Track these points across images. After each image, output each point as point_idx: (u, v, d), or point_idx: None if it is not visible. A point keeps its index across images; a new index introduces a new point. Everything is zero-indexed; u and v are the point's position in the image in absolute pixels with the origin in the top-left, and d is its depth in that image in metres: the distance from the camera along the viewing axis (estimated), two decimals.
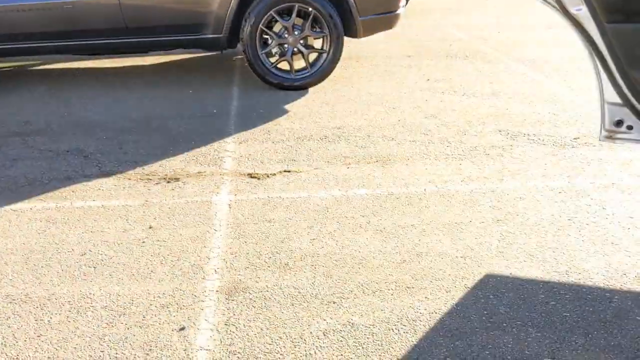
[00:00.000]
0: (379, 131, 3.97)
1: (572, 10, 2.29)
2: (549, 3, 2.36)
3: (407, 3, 6.99)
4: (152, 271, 2.51)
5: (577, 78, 4.95)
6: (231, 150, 3.76)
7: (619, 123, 2.38)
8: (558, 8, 2.33)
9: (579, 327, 2.10)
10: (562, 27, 6.69)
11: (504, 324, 2.13)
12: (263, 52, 4.82)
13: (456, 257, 2.54)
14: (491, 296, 2.29)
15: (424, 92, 4.78)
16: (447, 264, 2.49)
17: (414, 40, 6.56)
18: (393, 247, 2.63)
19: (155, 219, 2.94)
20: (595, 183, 3.15)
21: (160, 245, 2.70)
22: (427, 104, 4.49)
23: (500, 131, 3.88)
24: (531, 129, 3.89)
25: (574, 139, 3.72)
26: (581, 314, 2.17)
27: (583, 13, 2.27)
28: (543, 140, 3.71)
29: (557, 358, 1.95)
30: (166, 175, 3.42)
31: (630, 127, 2.36)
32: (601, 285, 2.33)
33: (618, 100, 2.33)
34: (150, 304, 2.30)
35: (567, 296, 2.27)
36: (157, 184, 3.32)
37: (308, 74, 4.91)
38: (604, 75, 2.33)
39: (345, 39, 4.92)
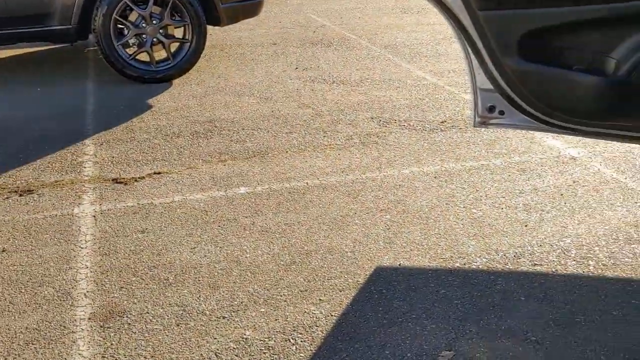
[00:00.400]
0: (253, 123, 3.82)
1: None
2: None
3: None
4: (10, 302, 2.19)
5: (437, 62, 5.14)
6: (91, 153, 3.42)
7: (491, 109, 2.43)
8: None
9: (471, 314, 2.13)
10: (417, 12, 6.97)
11: (400, 319, 2.10)
12: (119, 43, 4.46)
13: (346, 252, 2.49)
14: (384, 290, 2.26)
15: (294, 80, 4.69)
16: (338, 261, 2.43)
17: (278, 27, 6.45)
18: (281, 248, 2.52)
19: (8, 240, 2.58)
20: (466, 165, 3.26)
21: (18, 271, 2.36)
22: (299, 93, 4.41)
23: (373, 119, 3.90)
24: (402, 115, 3.95)
25: (441, 122, 3.83)
26: (471, 300, 2.21)
27: (454, 0, 2.27)
28: (414, 125, 3.78)
29: (455, 349, 1.96)
30: (18, 187, 3.03)
31: (502, 112, 2.42)
32: (484, 268, 2.39)
33: (490, 86, 2.38)
34: (12, 342, 1.99)
35: (456, 283, 2.30)
36: (7, 198, 2.92)
37: (170, 65, 4.62)
38: (475, 62, 2.36)
39: (209, 27, 4.69)
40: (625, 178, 3.06)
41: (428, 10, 6.76)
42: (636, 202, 2.83)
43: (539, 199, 2.87)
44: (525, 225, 2.66)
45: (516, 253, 2.48)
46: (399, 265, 2.41)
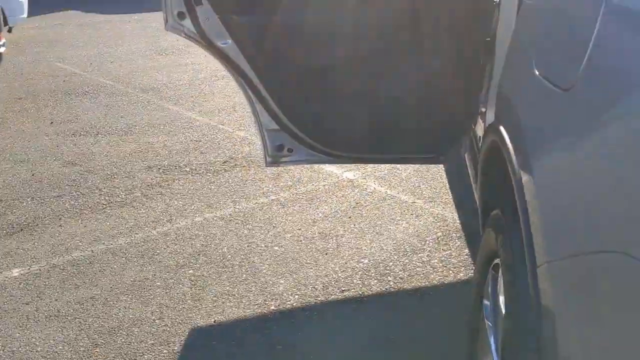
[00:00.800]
0: (13, 192, 3.34)
1: (219, 44, 2.26)
2: (192, 38, 2.29)
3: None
4: None
5: (205, 101, 5.11)
6: None
7: (280, 147, 2.47)
8: (203, 42, 2.27)
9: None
10: (172, 53, 6.86)
11: None
12: None
13: (153, 320, 2.28)
14: (205, 355, 2.12)
15: (52, 137, 4.24)
16: (147, 332, 2.21)
17: (21, 80, 5.80)
18: (77, 332, 2.21)
19: None
20: (258, 203, 3.26)
21: None
22: (59, 150, 3.99)
23: (151, 168, 3.69)
24: (181, 160, 3.82)
25: (224, 162, 3.79)
26: (293, 347, 2.18)
27: (230, 46, 2.26)
28: (197, 169, 3.68)
29: None
30: None
31: (290, 150, 2.47)
32: (299, 305, 2.40)
33: (275, 126, 2.41)
34: None
35: (275, 328, 2.26)
36: None
37: None
38: (259, 106, 2.37)
39: None
40: (398, 193, 3.35)
41: (183, 50, 6.71)
42: (412, 214, 3.11)
43: (332, 225, 3.00)
44: (326, 254, 2.75)
45: (324, 283, 2.54)
46: (214, 322, 2.29)
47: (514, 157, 1.16)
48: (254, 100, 2.37)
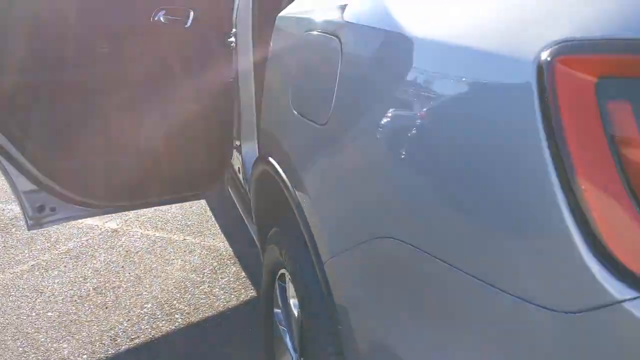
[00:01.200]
0: None
1: None
2: None
3: None
4: None
5: None
6: None
7: (41, 208, 2.37)
8: None
9: None
10: None
11: None
12: None
13: None
14: None
15: None
16: None
17: None
18: None
19: None
20: (23, 269, 3.01)
21: None
22: None
23: None
24: None
25: None
26: None
27: None
28: None
29: None
30: None
31: (53, 209, 2.39)
32: None
33: (34, 187, 2.32)
34: None
35: None
36: None
37: None
38: (12, 169, 2.25)
39: None
40: (166, 233, 3.42)
41: None
42: (185, 250, 3.21)
43: (105, 278, 2.93)
44: (106, 307, 2.69)
45: (111, 336, 2.49)
46: None
47: (287, 180, 1.39)
48: (6, 164, 2.25)
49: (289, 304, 1.68)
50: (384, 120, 1.01)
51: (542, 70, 0.70)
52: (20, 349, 2.40)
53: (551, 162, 0.69)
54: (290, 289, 1.63)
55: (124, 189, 2.58)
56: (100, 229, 3.48)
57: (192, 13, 2.42)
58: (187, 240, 3.31)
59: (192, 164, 2.67)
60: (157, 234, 3.40)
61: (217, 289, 2.82)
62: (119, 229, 3.47)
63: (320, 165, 1.26)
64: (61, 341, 2.45)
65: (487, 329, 0.81)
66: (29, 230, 2.41)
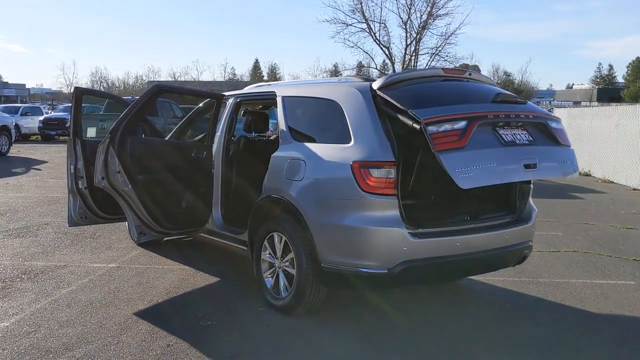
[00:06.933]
0: None
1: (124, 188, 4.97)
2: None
3: None
4: None
5: None
6: None
7: (140, 232, 5.20)
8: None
9: None
10: None
11: None
12: None
13: None
14: None
15: None
16: None
17: None
18: None
19: None
20: None
21: None
22: None
23: None
24: None
25: None
26: None
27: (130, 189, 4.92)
28: None
29: None
30: None
31: (142, 233, 5.25)
32: None
33: (139, 222, 5.06)
34: None
35: None
36: None
37: None
38: (131, 213, 4.88)
39: None
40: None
41: None
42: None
43: None
44: None
45: None
46: None
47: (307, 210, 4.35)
48: (128, 211, 4.91)
49: (275, 245, 4.66)
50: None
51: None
52: None
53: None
54: (275, 241, 4.64)
55: (175, 224, 5.24)
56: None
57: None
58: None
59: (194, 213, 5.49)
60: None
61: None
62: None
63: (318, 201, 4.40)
64: None
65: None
66: (137, 242, 5.15)
